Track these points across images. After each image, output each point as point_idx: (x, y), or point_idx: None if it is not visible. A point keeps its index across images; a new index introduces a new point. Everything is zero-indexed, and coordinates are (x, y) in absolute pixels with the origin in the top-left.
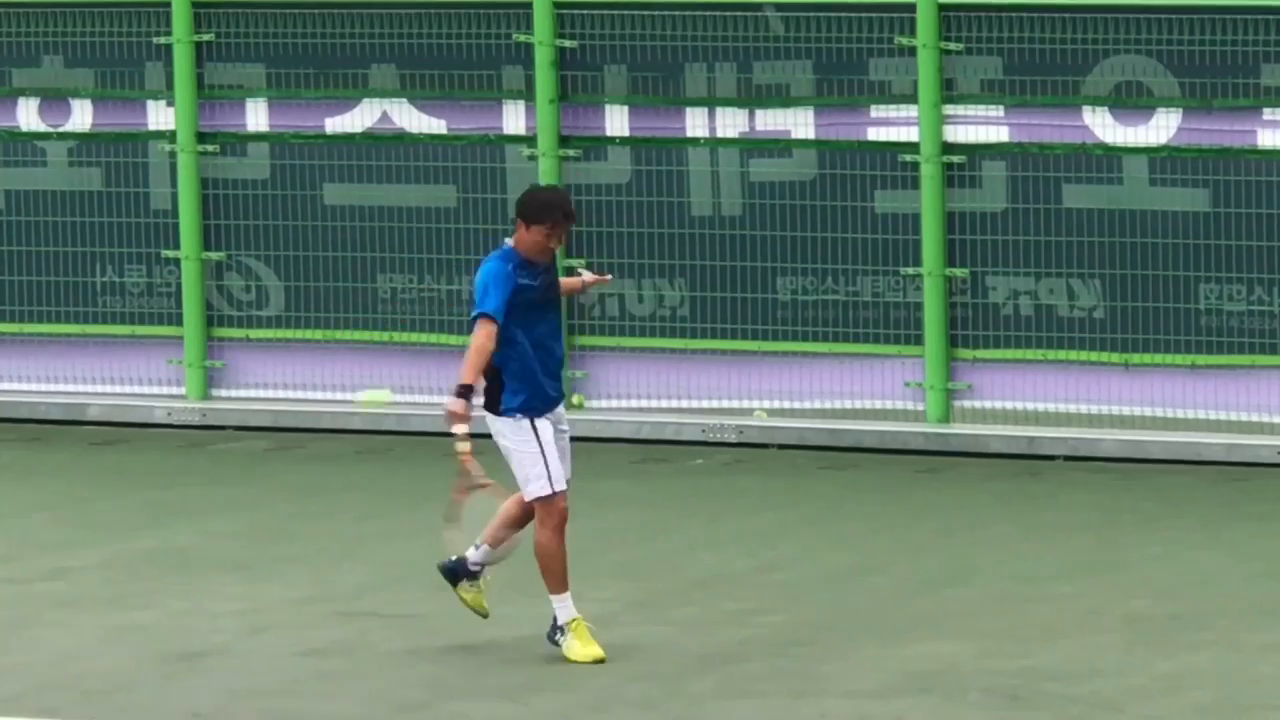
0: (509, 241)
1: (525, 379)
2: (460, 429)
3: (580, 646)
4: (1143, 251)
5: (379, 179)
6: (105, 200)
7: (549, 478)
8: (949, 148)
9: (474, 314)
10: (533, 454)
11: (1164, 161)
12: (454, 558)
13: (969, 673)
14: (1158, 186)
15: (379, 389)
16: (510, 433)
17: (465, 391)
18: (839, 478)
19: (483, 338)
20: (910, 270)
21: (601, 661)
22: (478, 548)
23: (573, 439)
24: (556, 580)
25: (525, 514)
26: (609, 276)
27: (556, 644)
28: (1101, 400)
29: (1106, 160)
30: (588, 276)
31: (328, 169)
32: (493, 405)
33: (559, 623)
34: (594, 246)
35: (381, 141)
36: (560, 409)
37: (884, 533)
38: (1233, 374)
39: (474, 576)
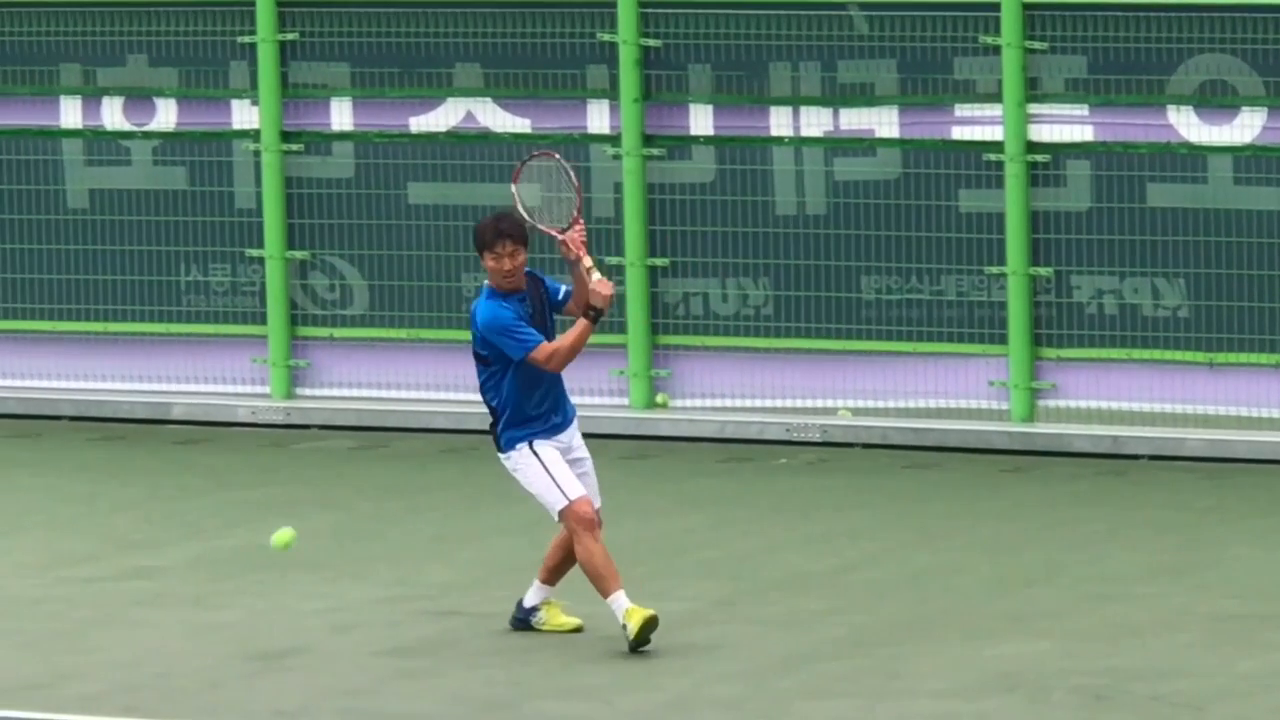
0: (487, 284)
1: (522, 413)
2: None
3: (634, 621)
4: (1227, 251)
5: (463, 178)
6: (189, 199)
7: (559, 489)
8: (1033, 147)
9: (521, 357)
10: (537, 472)
11: (1249, 160)
12: (515, 609)
13: (1053, 672)
14: (1243, 185)
15: (285, 530)
16: (515, 464)
17: (589, 313)
18: (923, 477)
19: (548, 347)
20: (994, 269)
21: (653, 620)
22: (535, 586)
23: (659, 439)
24: (604, 584)
25: (572, 549)
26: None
27: (634, 648)
28: (1186, 399)
29: (1191, 159)
30: (562, 251)
31: (412, 168)
32: (496, 443)
33: (620, 621)
34: (678, 245)
35: (466, 140)
36: (569, 437)
37: (968, 532)
38: None
39: (534, 611)
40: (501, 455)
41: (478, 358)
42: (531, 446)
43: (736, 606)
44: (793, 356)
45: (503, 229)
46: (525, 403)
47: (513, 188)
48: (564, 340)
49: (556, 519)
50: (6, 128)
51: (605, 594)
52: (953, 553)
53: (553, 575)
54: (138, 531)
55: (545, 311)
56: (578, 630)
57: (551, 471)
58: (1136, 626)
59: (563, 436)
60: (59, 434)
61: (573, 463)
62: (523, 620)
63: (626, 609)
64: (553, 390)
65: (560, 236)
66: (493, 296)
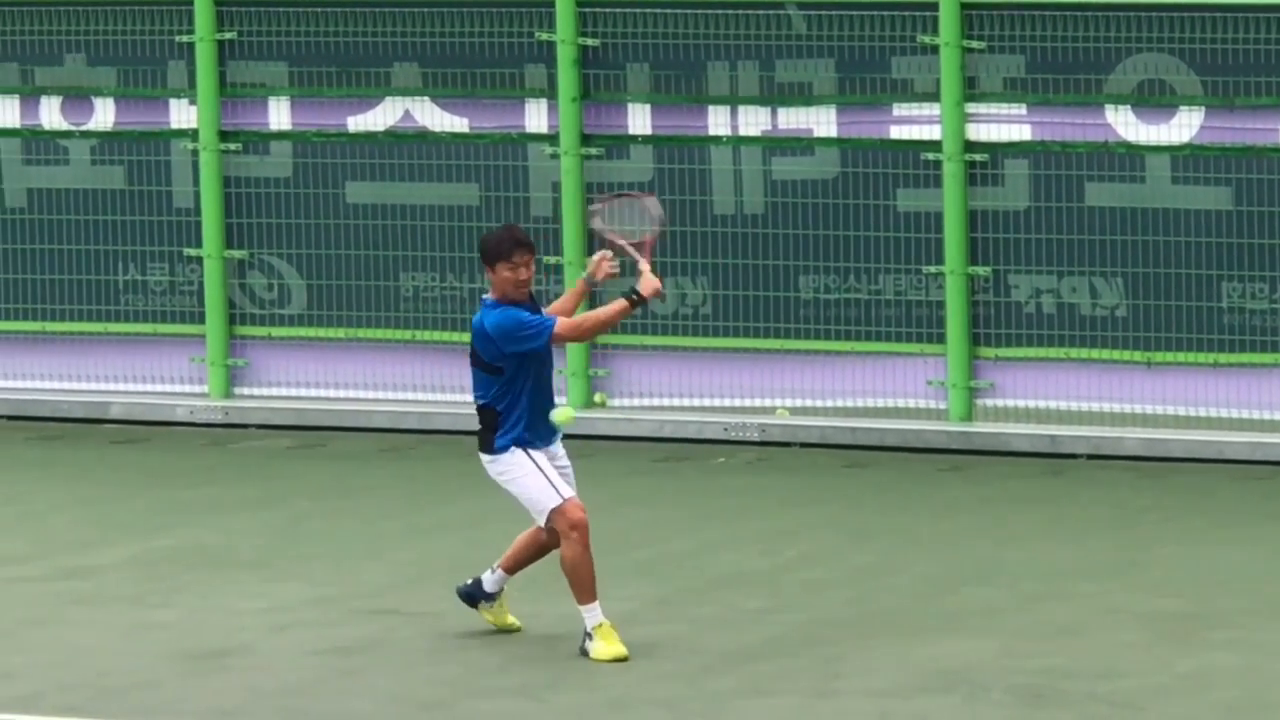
0: (488, 296)
1: (520, 419)
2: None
3: (605, 647)
4: (1165, 250)
5: (401, 177)
6: (128, 198)
7: (553, 488)
8: (971, 146)
9: (544, 340)
10: (530, 473)
11: (1186, 160)
12: (469, 581)
13: (991, 671)
14: (1180, 185)
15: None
16: (505, 467)
17: (632, 295)
18: (861, 476)
19: (568, 321)
20: (932, 269)
21: (624, 660)
22: (493, 572)
23: (597, 438)
24: (585, 591)
25: (541, 547)
26: (606, 254)
27: (586, 652)
28: (1124, 399)
29: (1129, 159)
30: (590, 265)
31: (350, 167)
32: (487, 446)
33: (587, 628)
34: None
35: (404, 140)
36: (556, 447)
37: (905, 531)
38: (1255, 372)
39: (491, 598)
40: (489, 458)
41: (487, 369)
42: (526, 450)
43: (674, 606)
44: (731, 356)
45: (520, 239)
46: (536, 412)
47: (597, 221)
48: (597, 312)
49: (544, 521)
50: None
51: (581, 602)
52: (890, 552)
53: (515, 567)
54: (75, 531)
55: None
56: (515, 630)
57: (545, 472)
58: (1074, 625)
59: (552, 447)
60: None
61: (560, 471)
62: (470, 595)
63: (600, 625)
64: (551, 400)
65: (634, 244)
66: (498, 305)
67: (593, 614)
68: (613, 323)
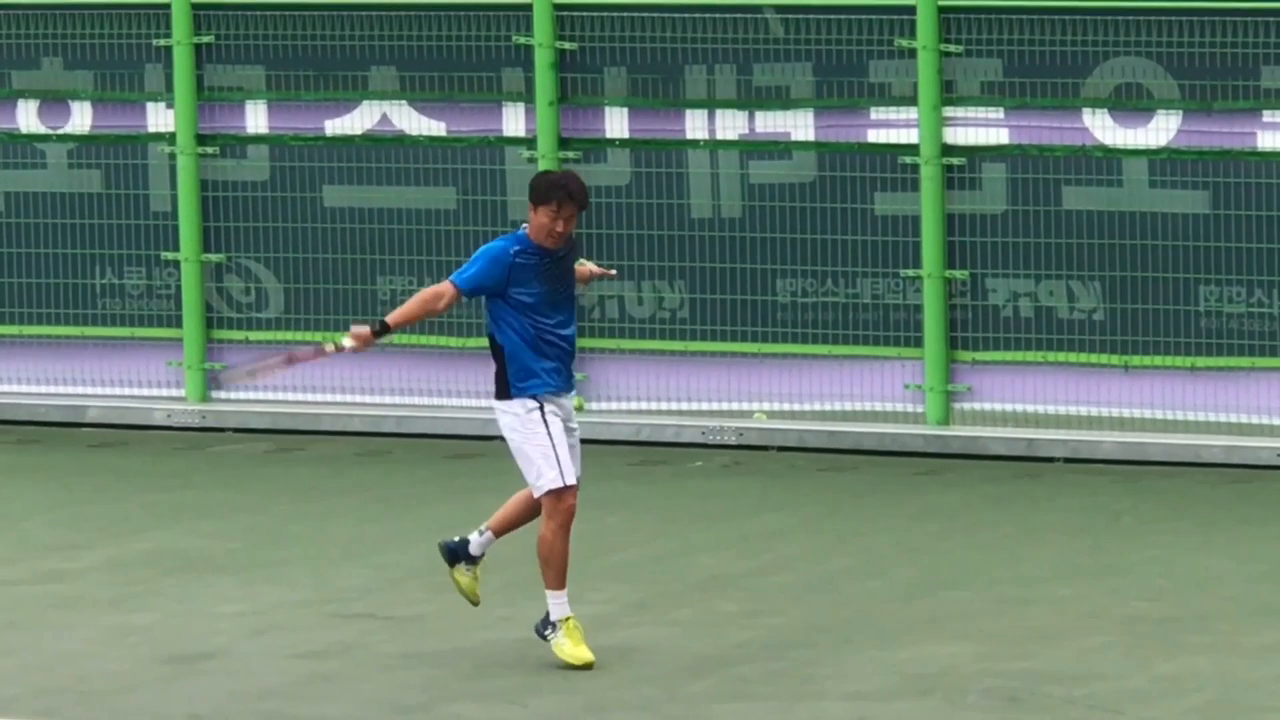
0: (525, 227)
1: (533, 364)
2: (348, 344)
3: (570, 646)
4: (1142, 253)
5: (379, 181)
6: (105, 202)
7: (560, 471)
8: (949, 150)
9: (453, 278)
10: (543, 446)
11: (1164, 164)
12: (456, 539)
13: (968, 675)
14: (1157, 188)
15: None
16: (520, 425)
17: (380, 328)
18: (838, 480)
19: (432, 294)
20: (910, 272)
21: (590, 666)
22: (481, 534)
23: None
24: (555, 576)
25: (533, 508)
26: (613, 272)
27: (544, 637)
28: (1101, 402)
29: (1106, 162)
30: (593, 268)
31: (327, 171)
32: (502, 391)
33: (551, 618)
34: (594, 248)
35: (381, 143)
36: (570, 405)
37: (883, 535)
38: (1232, 376)
39: (473, 561)
40: (501, 404)
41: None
42: (543, 413)
43: (651, 609)
44: (708, 359)
45: (572, 190)
46: (540, 349)
47: None
48: (408, 305)
49: (535, 493)
50: None
51: (550, 586)
52: (868, 555)
53: (504, 528)
54: (52, 535)
55: (571, 271)
56: (474, 603)
57: (556, 447)
58: (1052, 629)
59: (565, 401)
60: None
61: (567, 431)
62: (453, 553)
63: (566, 620)
64: (568, 354)
65: None
66: (514, 241)
67: (559, 604)
68: (397, 311)
